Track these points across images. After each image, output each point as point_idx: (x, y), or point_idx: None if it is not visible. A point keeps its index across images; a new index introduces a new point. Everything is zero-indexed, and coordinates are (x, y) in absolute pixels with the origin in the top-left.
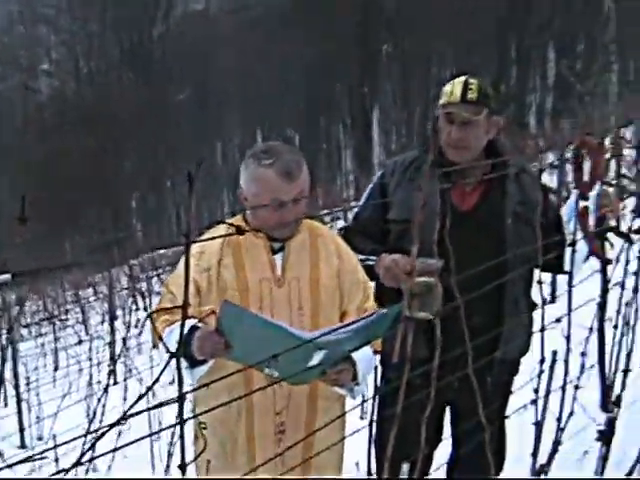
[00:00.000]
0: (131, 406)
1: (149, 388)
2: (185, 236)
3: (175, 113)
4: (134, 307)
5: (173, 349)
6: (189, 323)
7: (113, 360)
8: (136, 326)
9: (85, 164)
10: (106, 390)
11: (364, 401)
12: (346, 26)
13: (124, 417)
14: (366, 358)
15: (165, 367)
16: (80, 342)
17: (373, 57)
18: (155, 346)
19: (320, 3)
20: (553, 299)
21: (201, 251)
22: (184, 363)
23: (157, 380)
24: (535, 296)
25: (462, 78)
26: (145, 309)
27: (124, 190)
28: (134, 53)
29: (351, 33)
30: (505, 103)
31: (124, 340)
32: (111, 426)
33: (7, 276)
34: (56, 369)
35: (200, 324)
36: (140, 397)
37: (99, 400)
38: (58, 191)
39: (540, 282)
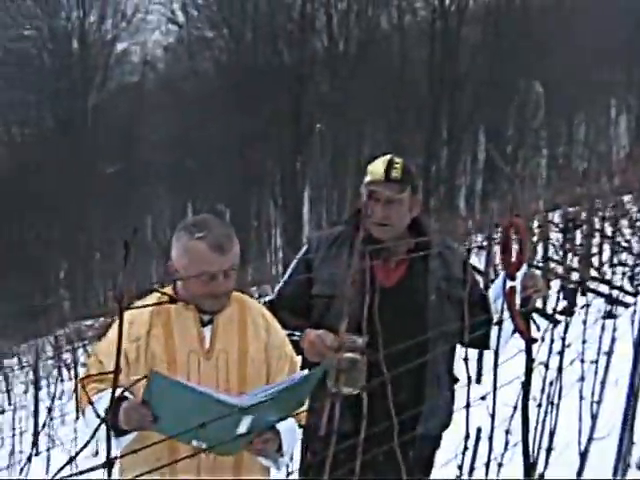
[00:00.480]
0: (57, 472)
1: (77, 453)
2: (118, 302)
3: (106, 185)
4: (59, 378)
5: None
6: (117, 392)
7: (36, 430)
8: (60, 397)
9: (15, 233)
10: (29, 459)
11: (288, 474)
12: (280, 103)
13: None
14: (291, 430)
15: (96, 431)
16: (2, 412)
17: (306, 135)
18: (83, 414)
19: (255, 80)
20: (479, 379)
21: (131, 321)
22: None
23: (87, 444)
24: (461, 373)
25: (387, 157)
26: (70, 379)
27: (53, 261)
28: (68, 123)
29: (285, 110)
30: (435, 185)
31: (49, 410)
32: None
33: None
34: None
35: (128, 394)
36: (68, 462)
37: (21, 470)
38: None
39: (466, 359)
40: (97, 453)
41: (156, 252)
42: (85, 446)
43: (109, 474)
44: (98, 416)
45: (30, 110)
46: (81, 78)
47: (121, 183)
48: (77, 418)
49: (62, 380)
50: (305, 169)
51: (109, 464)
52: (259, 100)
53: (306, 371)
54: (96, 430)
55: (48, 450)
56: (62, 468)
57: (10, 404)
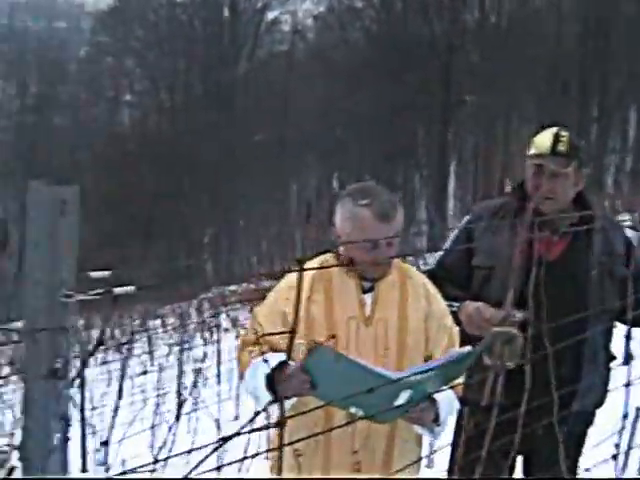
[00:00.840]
0: (244, 426)
1: (255, 415)
2: (299, 262)
3: (254, 153)
4: (202, 342)
5: (260, 381)
6: (278, 357)
7: (179, 392)
8: (203, 360)
9: (162, 197)
10: (177, 419)
11: (432, 453)
12: (430, 73)
13: (234, 435)
14: (448, 400)
15: (275, 399)
16: (145, 372)
17: (455, 106)
18: (241, 377)
19: (405, 50)
20: (627, 360)
21: (291, 285)
22: (268, 396)
23: (263, 409)
24: (621, 350)
25: (553, 129)
26: (213, 343)
27: (199, 226)
28: (218, 91)
29: (434, 81)
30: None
31: (198, 371)
32: (226, 439)
33: (131, 288)
34: (120, 397)
35: (289, 360)
36: (257, 414)
37: (170, 428)
38: (132, 222)
39: (629, 337)
40: (237, 417)
41: (300, 220)
42: (258, 414)
43: (280, 435)
44: (267, 378)
45: (179, 76)
46: (231, 46)
47: (269, 151)
48: (219, 382)
49: (205, 344)
50: (453, 140)
51: (281, 424)
52: (409, 70)
53: (468, 348)
54: (275, 399)
55: (195, 411)
56: (251, 420)
57: (152, 365)
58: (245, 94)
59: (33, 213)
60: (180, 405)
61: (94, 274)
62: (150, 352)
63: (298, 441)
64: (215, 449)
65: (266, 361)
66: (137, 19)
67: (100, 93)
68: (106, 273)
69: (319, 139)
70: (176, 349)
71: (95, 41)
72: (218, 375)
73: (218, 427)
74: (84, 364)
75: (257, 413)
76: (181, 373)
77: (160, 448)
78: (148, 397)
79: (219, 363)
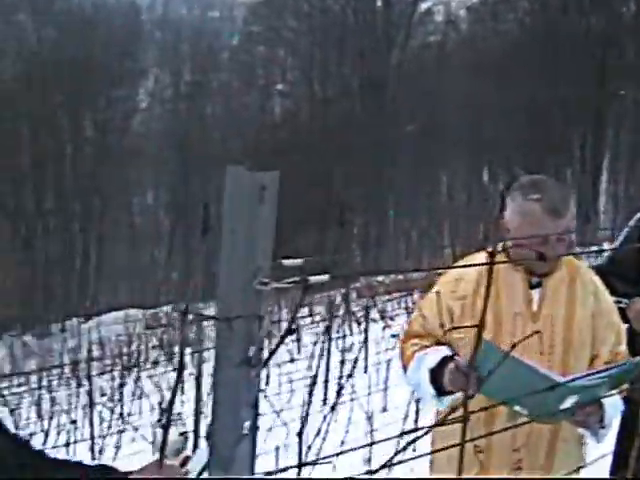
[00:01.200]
0: (448, 413)
1: (467, 398)
2: (490, 255)
3: (405, 143)
4: (349, 332)
5: (424, 374)
6: (443, 352)
7: (327, 382)
8: (349, 350)
9: (312, 187)
10: (333, 408)
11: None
12: (584, 67)
13: (424, 433)
14: (614, 402)
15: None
16: (292, 360)
17: (609, 102)
18: (404, 370)
19: (559, 43)
20: None
21: (458, 278)
22: (431, 390)
23: (448, 417)
24: None
25: None
26: (360, 334)
27: (348, 216)
28: (370, 80)
29: (589, 75)
30: None
31: (355, 361)
32: (434, 425)
33: (325, 276)
34: (267, 384)
35: (456, 355)
36: (451, 411)
37: (324, 417)
38: (283, 212)
39: None
40: (385, 409)
41: (450, 214)
42: (453, 411)
43: (463, 430)
44: (431, 372)
45: (331, 66)
46: (384, 36)
47: (420, 142)
48: (365, 372)
49: (351, 334)
50: (607, 136)
51: (465, 419)
52: (563, 63)
53: (638, 358)
54: (439, 393)
55: (349, 401)
56: (446, 416)
57: (299, 353)
58: (398, 84)
59: (231, 199)
60: (337, 394)
61: (287, 262)
62: (297, 340)
63: (479, 437)
64: (408, 444)
65: (451, 357)
66: (290, 9)
67: (252, 82)
68: (299, 261)
69: (470, 131)
70: (323, 338)
71: (248, 30)
72: (365, 366)
73: (369, 419)
74: (274, 352)
75: (452, 410)
76: (328, 363)
77: (316, 435)
78: (295, 387)
79: (367, 354)
